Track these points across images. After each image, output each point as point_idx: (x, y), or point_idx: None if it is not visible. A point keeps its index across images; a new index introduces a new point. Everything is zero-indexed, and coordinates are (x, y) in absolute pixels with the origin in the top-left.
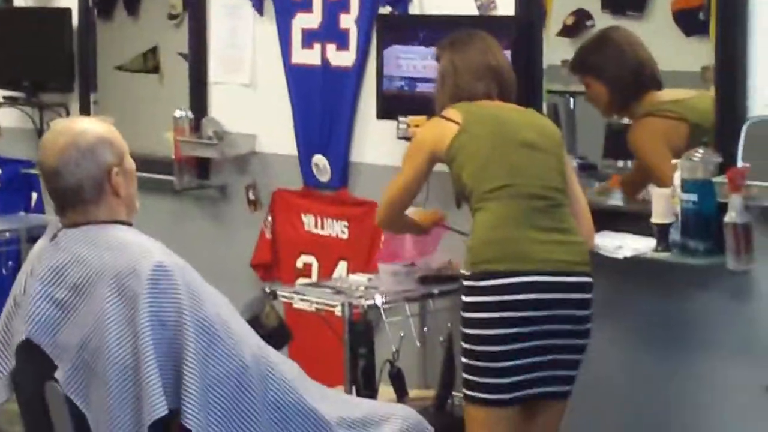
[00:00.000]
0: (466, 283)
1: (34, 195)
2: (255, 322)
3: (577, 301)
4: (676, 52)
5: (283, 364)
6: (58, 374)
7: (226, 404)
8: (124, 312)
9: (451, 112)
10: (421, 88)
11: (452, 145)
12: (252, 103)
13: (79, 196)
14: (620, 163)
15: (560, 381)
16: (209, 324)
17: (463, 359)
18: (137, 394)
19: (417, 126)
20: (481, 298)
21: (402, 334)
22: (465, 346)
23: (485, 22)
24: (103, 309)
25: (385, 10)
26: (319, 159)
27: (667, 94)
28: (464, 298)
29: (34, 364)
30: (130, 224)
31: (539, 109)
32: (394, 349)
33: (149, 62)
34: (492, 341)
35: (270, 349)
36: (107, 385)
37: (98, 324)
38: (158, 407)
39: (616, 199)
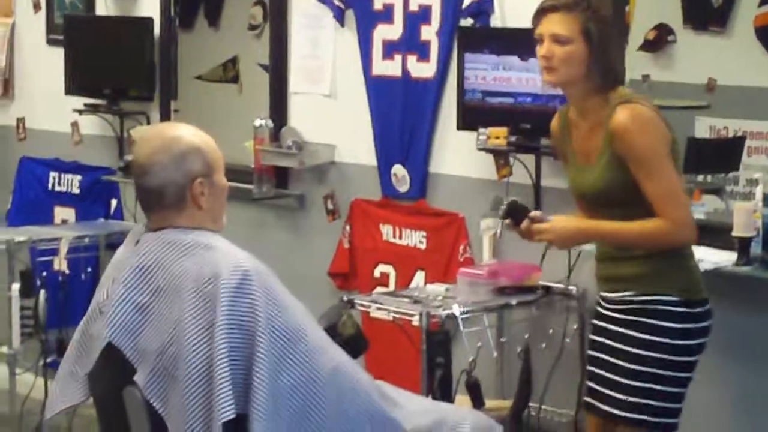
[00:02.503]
0: (682, 309)
1: (114, 202)
2: (332, 330)
3: None
4: (757, 68)
5: (359, 374)
6: (138, 378)
7: (296, 414)
8: (204, 316)
9: (644, 101)
10: (501, 100)
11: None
12: (332, 113)
13: (160, 199)
14: (701, 177)
15: None
16: (286, 332)
17: (658, 387)
18: (209, 396)
19: (497, 138)
20: (699, 324)
21: (479, 345)
22: (667, 373)
23: None
24: (183, 314)
25: (467, 21)
26: (398, 169)
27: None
28: (676, 325)
29: (114, 367)
30: (213, 232)
31: None
32: (471, 359)
33: (229, 72)
34: (694, 367)
35: (347, 358)
36: (183, 387)
37: (178, 329)
38: (227, 410)
39: (697, 213)
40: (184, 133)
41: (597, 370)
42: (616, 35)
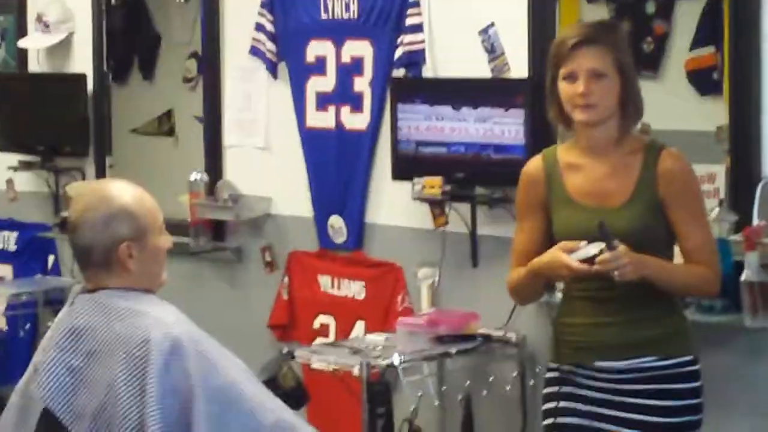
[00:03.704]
0: (695, 368)
1: (51, 258)
2: (272, 383)
3: None
4: (690, 112)
5: (302, 427)
6: None
7: None
8: (135, 382)
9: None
10: (435, 149)
11: None
12: (267, 165)
13: (89, 258)
14: None
15: None
16: (222, 392)
17: None
18: None
19: (432, 187)
20: (702, 379)
21: (420, 393)
22: None
23: (499, 84)
24: (115, 379)
25: (399, 72)
26: (335, 220)
27: None
28: (692, 384)
29: (49, 430)
30: (149, 292)
31: None
32: (412, 408)
33: (164, 125)
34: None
35: (288, 412)
36: None
37: (110, 393)
38: None
39: None
40: (117, 193)
41: None
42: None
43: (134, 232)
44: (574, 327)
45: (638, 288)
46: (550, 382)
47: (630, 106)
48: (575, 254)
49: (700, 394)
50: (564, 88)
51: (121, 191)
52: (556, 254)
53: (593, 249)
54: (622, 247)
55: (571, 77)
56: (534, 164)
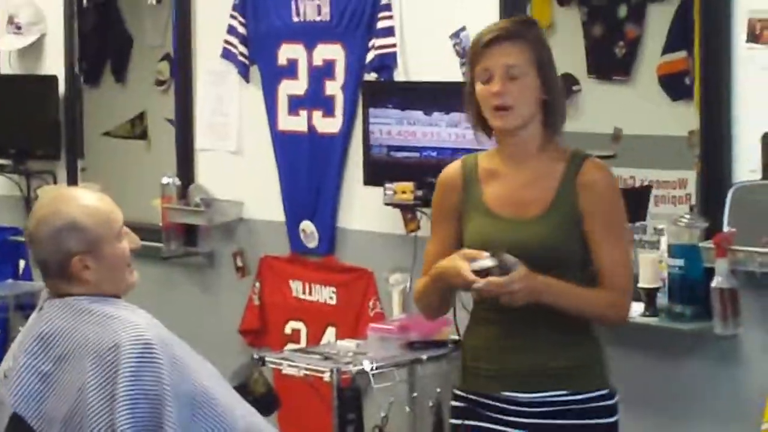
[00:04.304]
0: (612, 402)
1: (22, 263)
2: (243, 388)
3: None
4: (662, 117)
5: None
6: None
7: None
8: (105, 387)
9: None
10: (407, 154)
11: None
12: (239, 169)
13: (46, 271)
14: None
15: None
16: (193, 397)
17: None
18: None
19: (404, 192)
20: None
21: (391, 400)
22: None
23: None
24: (85, 383)
25: (371, 76)
26: (306, 225)
27: None
28: (609, 419)
29: None
30: (116, 296)
31: None
32: (383, 415)
33: (137, 128)
34: None
35: (258, 417)
36: None
37: (80, 398)
38: None
39: None
40: (68, 206)
41: None
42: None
43: (85, 245)
44: (477, 350)
45: (548, 308)
46: (455, 413)
47: (551, 109)
48: (473, 264)
49: (616, 429)
50: (480, 89)
51: (73, 202)
52: (455, 260)
53: (490, 262)
54: (519, 270)
55: (487, 77)
56: (452, 170)
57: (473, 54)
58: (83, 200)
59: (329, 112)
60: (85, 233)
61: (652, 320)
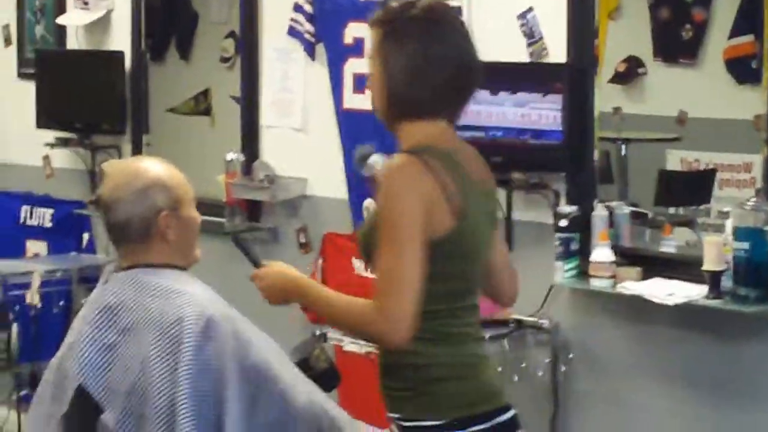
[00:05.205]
0: None
1: (86, 236)
2: (304, 364)
3: None
4: (728, 100)
5: (333, 409)
6: (106, 418)
7: None
8: (168, 359)
9: (432, 151)
10: (472, 133)
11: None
12: (303, 146)
13: (126, 233)
14: (672, 210)
15: None
16: (256, 372)
17: None
18: None
19: None
20: None
21: None
22: None
23: (537, 69)
24: (148, 357)
25: None
26: (369, 203)
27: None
28: None
29: (86, 407)
30: (183, 269)
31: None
32: None
33: (201, 105)
34: None
35: (320, 393)
36: (151, 428)
37: (143, 371)
38: None
39: (668, 246)
40: (149, 166)
41: None
42: (421, 61)
43: (170, 202)
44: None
45: None
46: None
47: (389, 102)
48: None
49: None
50: None
51: (152, 165)
52: None
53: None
54: (267, 267)
55: None
56: None
57: None
58: (159, 164)
59: None
60: (170, 191)
61: (716, 303)
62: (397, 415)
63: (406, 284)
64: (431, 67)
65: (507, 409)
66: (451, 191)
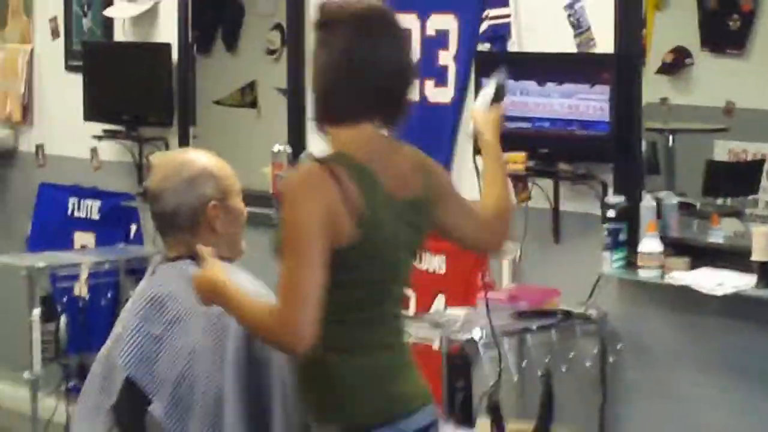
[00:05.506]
0: None
1: (133, 227)
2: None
3: None
4: None
5: None
6: (154, 409)
7: None
8: (215, 351)
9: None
10: (519, 125)
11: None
12: None
13: (174, 222)
14: (719, 201)
15: None
16: None
17: None
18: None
19: (515, 163)
20: None
21: (500, 369)
22: None
23: (585, 59)
24: (195, 348)
25: (484, 46)
26: None
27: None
28: None
29: (134, 398)
30: (229, 261)
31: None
32: (492, 383)
33: (247, 97)
34: None
35: None
36: (199, 418)
37: (191, 362)
38: None
39: (716, 237)
40: (196, 157)
41: None
42: (352, 67)
43: (218, 192)
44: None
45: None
46: None
47: (315, 105)
48: None
49: None
50: None
51: (199, 156)
52: None
53: None
54: (203, 270)
55: None
56: None
57: None
58: (207, 156)
59: (441, 82)
60: (218, 181)
61: (765, 293)
62: (312, 422)
63: (304, 292)
64: (356, 72)
65: (416, 412)
66: (354, 200)
